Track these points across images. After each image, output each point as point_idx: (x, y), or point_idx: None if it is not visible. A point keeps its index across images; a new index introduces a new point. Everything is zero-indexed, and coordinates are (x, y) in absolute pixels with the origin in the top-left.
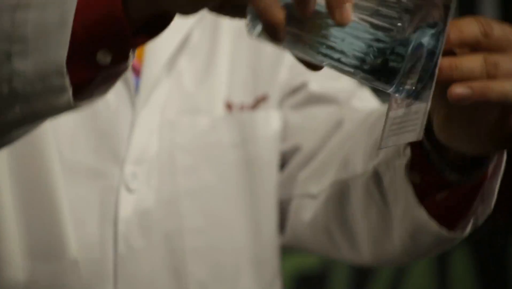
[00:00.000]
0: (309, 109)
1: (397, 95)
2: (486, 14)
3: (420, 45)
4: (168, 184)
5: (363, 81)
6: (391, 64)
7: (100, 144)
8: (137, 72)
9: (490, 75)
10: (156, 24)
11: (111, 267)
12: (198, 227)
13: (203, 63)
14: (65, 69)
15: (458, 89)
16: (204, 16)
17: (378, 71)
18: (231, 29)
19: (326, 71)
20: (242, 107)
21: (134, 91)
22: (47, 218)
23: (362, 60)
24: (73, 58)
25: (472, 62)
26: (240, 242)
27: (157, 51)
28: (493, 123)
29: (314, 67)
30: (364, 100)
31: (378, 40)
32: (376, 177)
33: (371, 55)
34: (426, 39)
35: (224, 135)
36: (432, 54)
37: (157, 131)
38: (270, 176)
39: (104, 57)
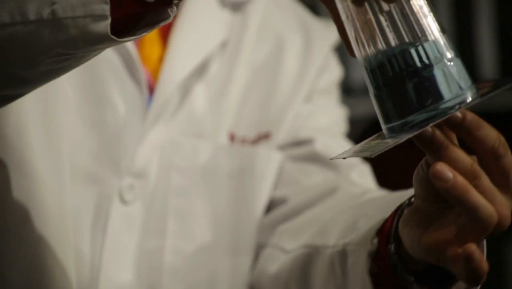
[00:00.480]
0: (308, 166)
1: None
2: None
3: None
4: (159, 202)
5: (373, 90)
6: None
7: (103, 151)
8: (151, 89)
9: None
10: None
11: (95, 273)
12: (179, 248)
13: (216, 92)
14: None
15: (444, 168)
16: (226, 48)
17: (395, 90)
18: (250, 65)
19: (335, 138)
20: (243, 141)
21: (146, 107)
22: (56, 220)
23: (390, 64)
24: None
25: (461, 156)
26: (218, 269)
27: (173, 72)
28: (445, 241)
29: (351, 52)
30: (363, 177)
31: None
32: (343, 255)
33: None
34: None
35: (223, 164)
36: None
37: (160, 149)
38: (257, 213)
39: None
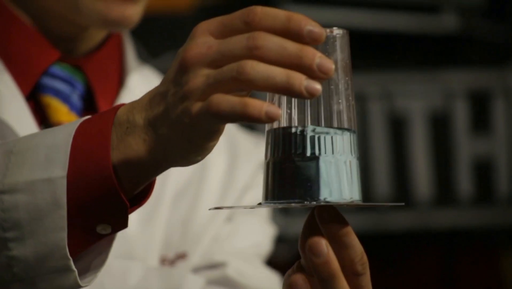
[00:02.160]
0: None
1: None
2: None
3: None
4: None
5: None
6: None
7: None
8: None
9: None
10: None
11: None
12: None
13: (147, 210)
14: (67, 252)
15: (322, 241)
16: None
17: (279, 170)
18: (176, 184)
19: (251, 262)
20: (163, 260)
21: None
22: None
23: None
24: (71, 232)
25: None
26: None
27: None
28: None
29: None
30: None
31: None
32: None
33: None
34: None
35: (153, 286)
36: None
37: None
38: None
39: (104, 229)
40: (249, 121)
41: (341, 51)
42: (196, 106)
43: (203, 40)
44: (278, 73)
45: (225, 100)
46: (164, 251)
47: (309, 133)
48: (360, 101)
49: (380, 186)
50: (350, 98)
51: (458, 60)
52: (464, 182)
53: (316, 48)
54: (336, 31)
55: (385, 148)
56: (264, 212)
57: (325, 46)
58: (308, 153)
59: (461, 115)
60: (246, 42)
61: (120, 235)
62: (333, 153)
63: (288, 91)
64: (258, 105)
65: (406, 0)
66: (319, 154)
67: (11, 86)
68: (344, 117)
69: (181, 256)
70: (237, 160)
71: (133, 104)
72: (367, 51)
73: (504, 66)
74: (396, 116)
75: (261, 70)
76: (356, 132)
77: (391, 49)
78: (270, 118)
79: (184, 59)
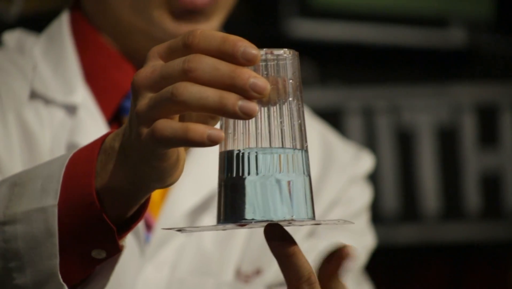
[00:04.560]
0: None
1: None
2: None
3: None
4: None
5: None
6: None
7: None
8: (149, 227)
9: None
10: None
11: None
12: None
13: None
14: (60, 278)
15: None
16: None
17: (235, 194)
18: None
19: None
20: (239, 275)
21: (143, 245)
22: None
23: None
24: (67, 259)
25: None
26: None
27: (175, 207)
28: None
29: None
30: None
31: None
32: None
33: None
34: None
35: None
36: None
37: (166, 288)
38: None
39: (99, 254)
40: (193, 146)
41: (284, 72)
42: (143, 130)
43: (152, 63)
44: (210, 94)
45: (167, 125)
46: (241, 265)
47: (246, 155)
48: (368, 115)
49: (387, 200)
50: (295, 117)
51: (466, 74)
52: (472, 196)
53: (255, 69)
54: (281, 52)
55: (393, 162)
56: (359, 224)
57: (266, 67)
58: (240, 174)
59: (468, 129)
60: (182, 65)
61: (196, 252)
62: (267, 172)
63: (222, 111)
64: (200, 129)
65: (414, 15)
66: (248, 174)
67: (94, 111)
68: (286, 136)
69: (258, 272)
70: (328, 172)
71: (118, 130)
72: (375, 65)
73: None
74: (404, 130)
75: (194, 91)
76: (302, 150)
77: (398, 63)
78: (213, 142)
79: (132, 83)
